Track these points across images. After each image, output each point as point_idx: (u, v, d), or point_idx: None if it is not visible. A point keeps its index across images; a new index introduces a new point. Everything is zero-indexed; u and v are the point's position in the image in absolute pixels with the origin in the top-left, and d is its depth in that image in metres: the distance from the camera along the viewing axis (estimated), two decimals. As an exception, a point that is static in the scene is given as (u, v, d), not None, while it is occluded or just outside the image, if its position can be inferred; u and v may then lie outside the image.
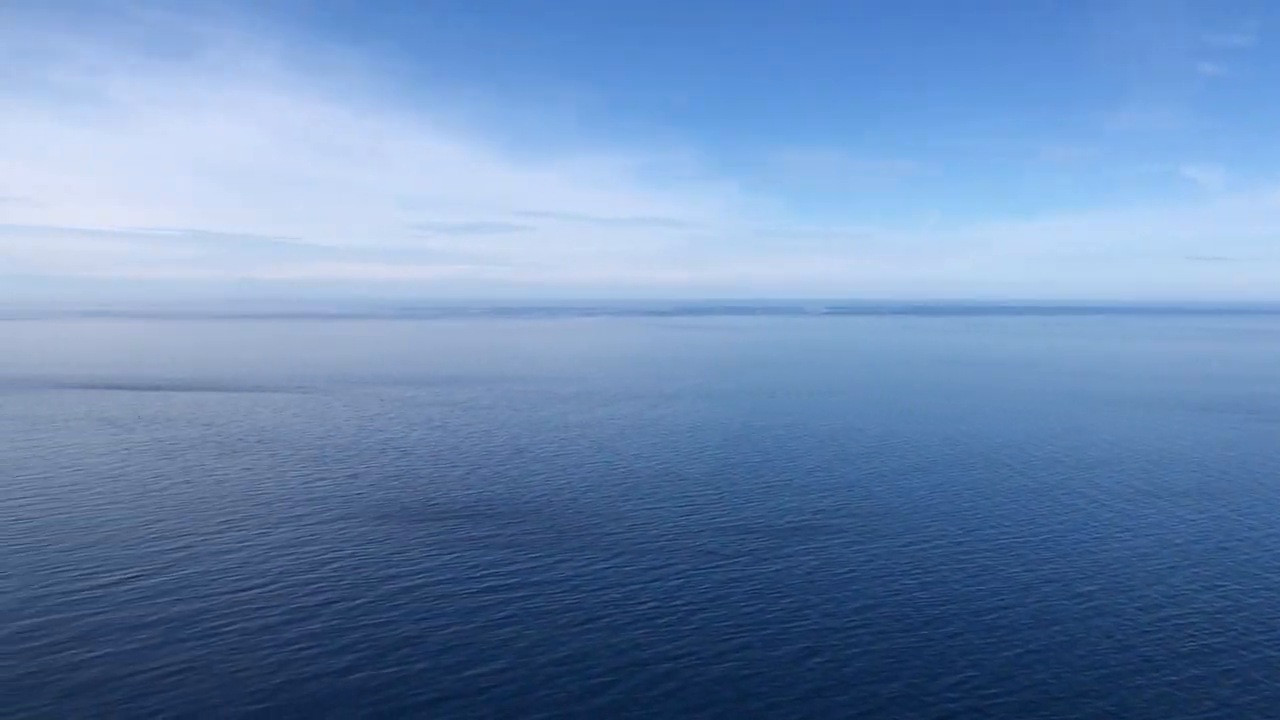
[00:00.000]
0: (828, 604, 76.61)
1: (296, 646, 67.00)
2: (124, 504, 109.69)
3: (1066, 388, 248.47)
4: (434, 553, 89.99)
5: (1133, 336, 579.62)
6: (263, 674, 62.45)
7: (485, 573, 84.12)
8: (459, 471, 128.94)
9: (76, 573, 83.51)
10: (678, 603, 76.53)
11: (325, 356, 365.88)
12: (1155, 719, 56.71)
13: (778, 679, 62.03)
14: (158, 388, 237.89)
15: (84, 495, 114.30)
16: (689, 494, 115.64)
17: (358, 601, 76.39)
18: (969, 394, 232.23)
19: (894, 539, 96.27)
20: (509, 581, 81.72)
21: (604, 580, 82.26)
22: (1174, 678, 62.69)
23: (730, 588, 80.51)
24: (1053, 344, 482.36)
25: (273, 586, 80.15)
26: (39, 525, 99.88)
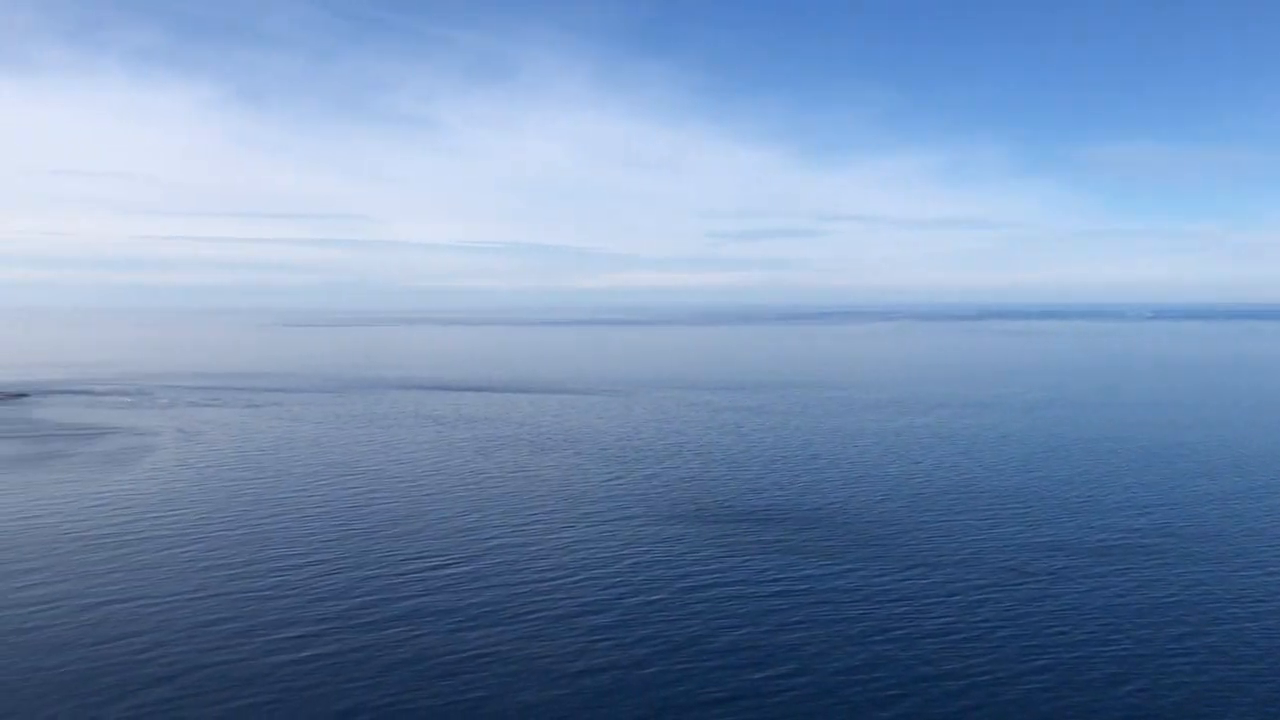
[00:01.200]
0: (1141, 630, 70.95)
1: (593, 637, 70.02)
2: (444, 496, 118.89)
3: None
4: (726, 555, 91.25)
5: None
6: (561, 660, 65.74)
7: (775, 577, 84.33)
8: (752, 475, 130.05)
9: (400, 558, 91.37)
10: (974, 619, 73.45)
11: (627, 361, 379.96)
12: None
13: (1081, 706, 58.17)
14: (477, 389, 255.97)
15: (410, 487, 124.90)
16: (991, 507, 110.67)
17: (651, 598, 78.77)
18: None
19: (1221, 564, 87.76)
20: (799, 587, 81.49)
21: (896, 592, 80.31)
22: None
23: (1032, 606, 76.33)
24: None
25: (573, 579, 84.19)
26: (372, 513, 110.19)
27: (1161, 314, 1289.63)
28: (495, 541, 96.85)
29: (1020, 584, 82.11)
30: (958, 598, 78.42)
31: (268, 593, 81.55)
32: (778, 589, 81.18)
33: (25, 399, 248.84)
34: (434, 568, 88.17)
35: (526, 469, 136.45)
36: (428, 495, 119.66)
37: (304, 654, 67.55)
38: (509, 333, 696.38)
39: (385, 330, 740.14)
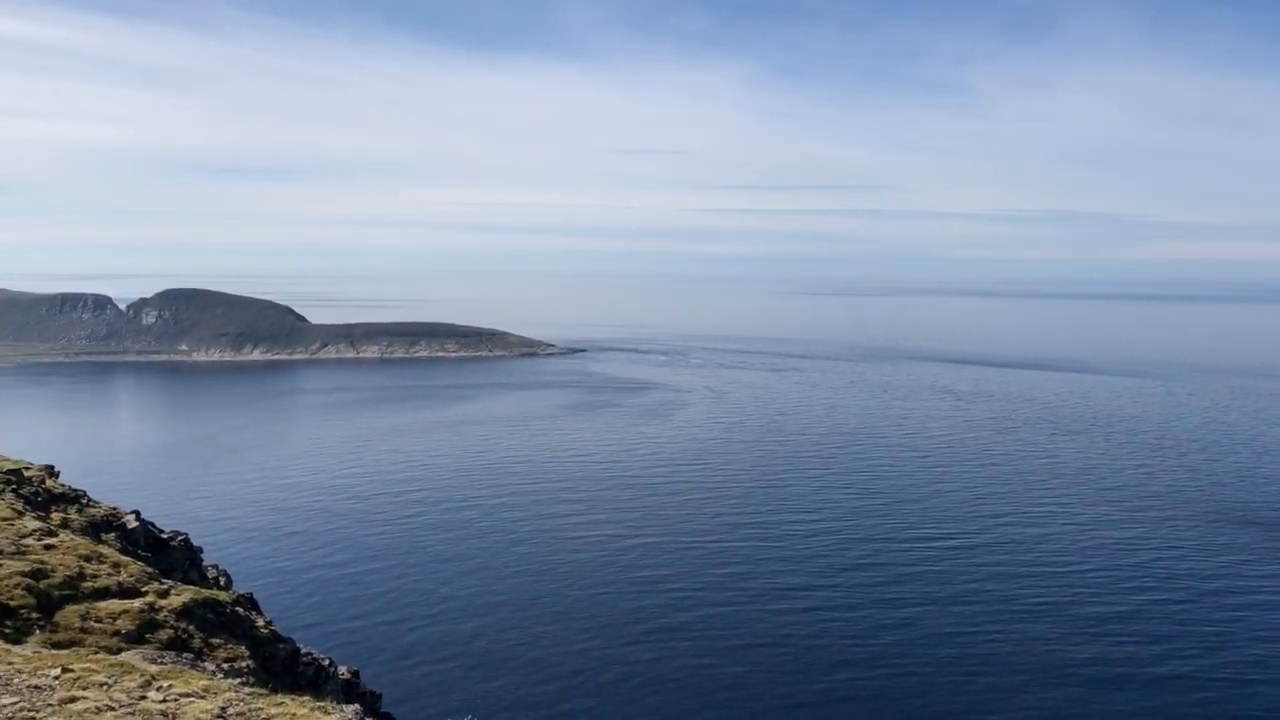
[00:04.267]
0: None
1: (1103, 630, 64.32)
2: (955, 472, 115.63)
3: None
4: (1271, 565, 79.28)
5: None
6: (1077, 646, 61.26)
7: (1346, 600, 71.67)
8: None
9: (904, 531, 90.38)
10: None
11: (1174, 340, 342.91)
12: None
13: None
14: (1000, 365, 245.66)
15: (922, 459, 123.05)
16: None
17: (1179, 602, 70.57)
18: None
19: None
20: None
21: None
22: None
23: None
24: None
25: (1084, 571, 77.83)
26: (880, 481, 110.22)
27: None
28: (1001, 522, 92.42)
29: None
30: None
31: (773, 545, 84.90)
32: (1348, 614, 68.94)
33: (583, 354, 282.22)
34: (932, 538, 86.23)
35: (1046, 452, 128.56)
36: (938, 469, 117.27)
37: (803, 606, 69.47)
38: (1041, 306, 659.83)
39: (909, 300, 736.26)
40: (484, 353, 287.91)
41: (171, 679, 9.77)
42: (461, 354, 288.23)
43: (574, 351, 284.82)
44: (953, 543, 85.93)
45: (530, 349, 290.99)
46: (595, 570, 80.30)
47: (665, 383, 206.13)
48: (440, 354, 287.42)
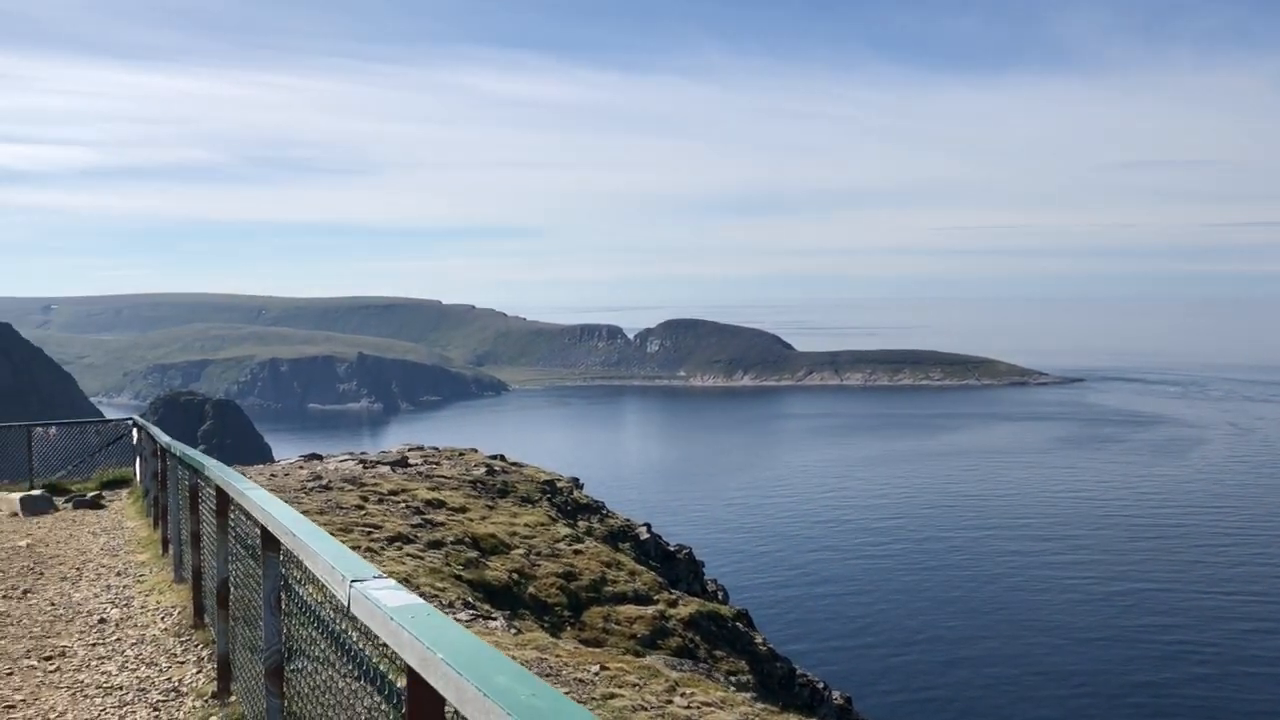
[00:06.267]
0: None
1: None
2: None
3: None
4: None
5: None
6: None
7: None
8: None
9: None
10: None
11: None
12: None
13: None
14: None
15: None
16: None
17: None
18: None
19: None
20: None
21: None
22: None
23: None
24: None
25: None
26: None
27: None
28: None
29: None
30: None
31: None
32: None
33: (1080, 383, 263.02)
34: None
35: None
36: None
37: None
38: None
39: None
40: (970, 381, 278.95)
41: (692, 686, 10.33)
42: (946, 382, 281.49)
43: (1070, 381, 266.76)
44: None
45: (1020, 377, 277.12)
46: (1083, 617, 74.02)
47: (1178, 417, 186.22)
48: (924, 382, 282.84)
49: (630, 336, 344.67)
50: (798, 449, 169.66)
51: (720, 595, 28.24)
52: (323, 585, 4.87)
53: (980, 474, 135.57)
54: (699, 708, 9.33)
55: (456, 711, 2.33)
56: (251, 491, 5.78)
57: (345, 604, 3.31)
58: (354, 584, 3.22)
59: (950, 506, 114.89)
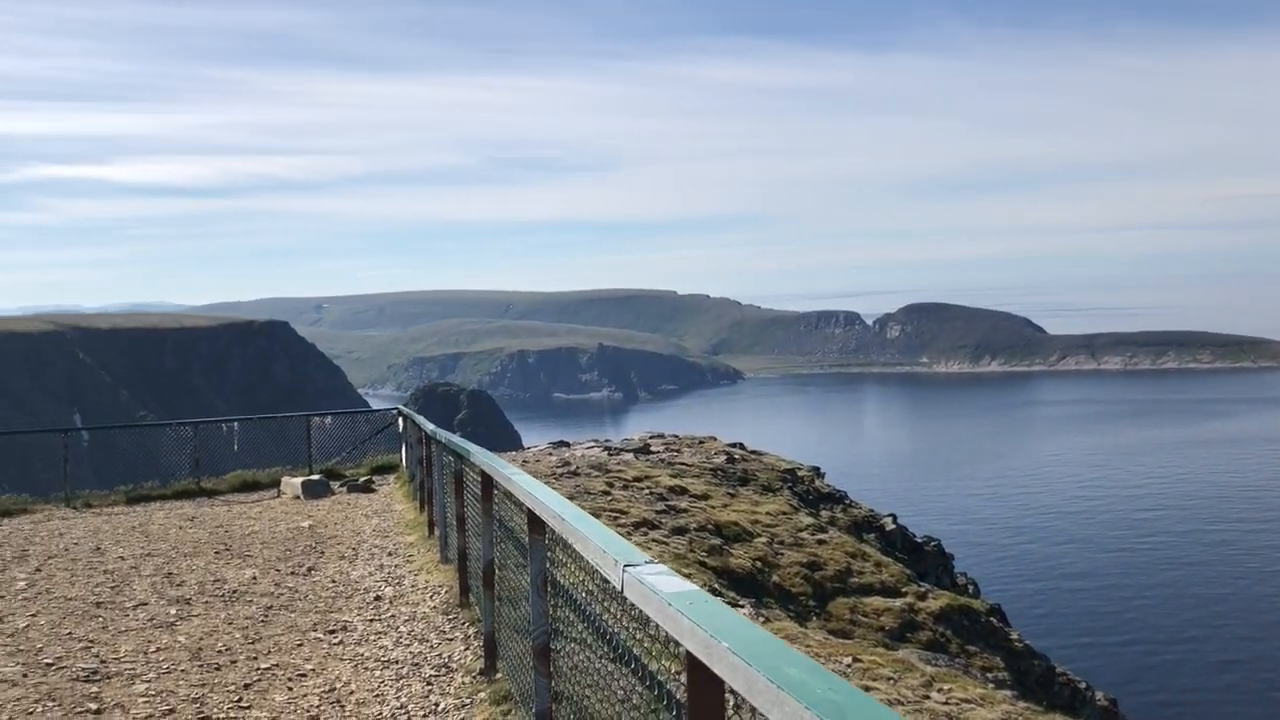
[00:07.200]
0: None
1: None
2: None
3: None
4: None
5: None
6: None
7: None
8: None
9: None
10: None
11: None
12: None
13: None
14: None
15: None
16: None
17: None
18: None
19: None
20: None
21: None
22: None
23: None
24: None
25: None
26: None
27: None
28: None
29: None
30: None
31: None
32: None
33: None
34: None
35: None
36: None
37: None
38: None
39: None
40: (1244, 364, 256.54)
41: (949, 682, 9.95)
42: (1216, 365, 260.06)
43: None
44: None
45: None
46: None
47: None
48: (1191, 365, 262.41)
49: (869, 322, 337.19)
50: (1050, 437, 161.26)
51: (971, 589, 27.20)
52: (584, 567, 4.98)
53: (1255, 464, 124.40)
54: (958, 704, 8.98)
55: (736, 700, 2.29)
56: (517, 477, 5.98)
57: (618, 587, 3.34)
58: (627, 568, 3.24)
59: (1219, 499, 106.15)
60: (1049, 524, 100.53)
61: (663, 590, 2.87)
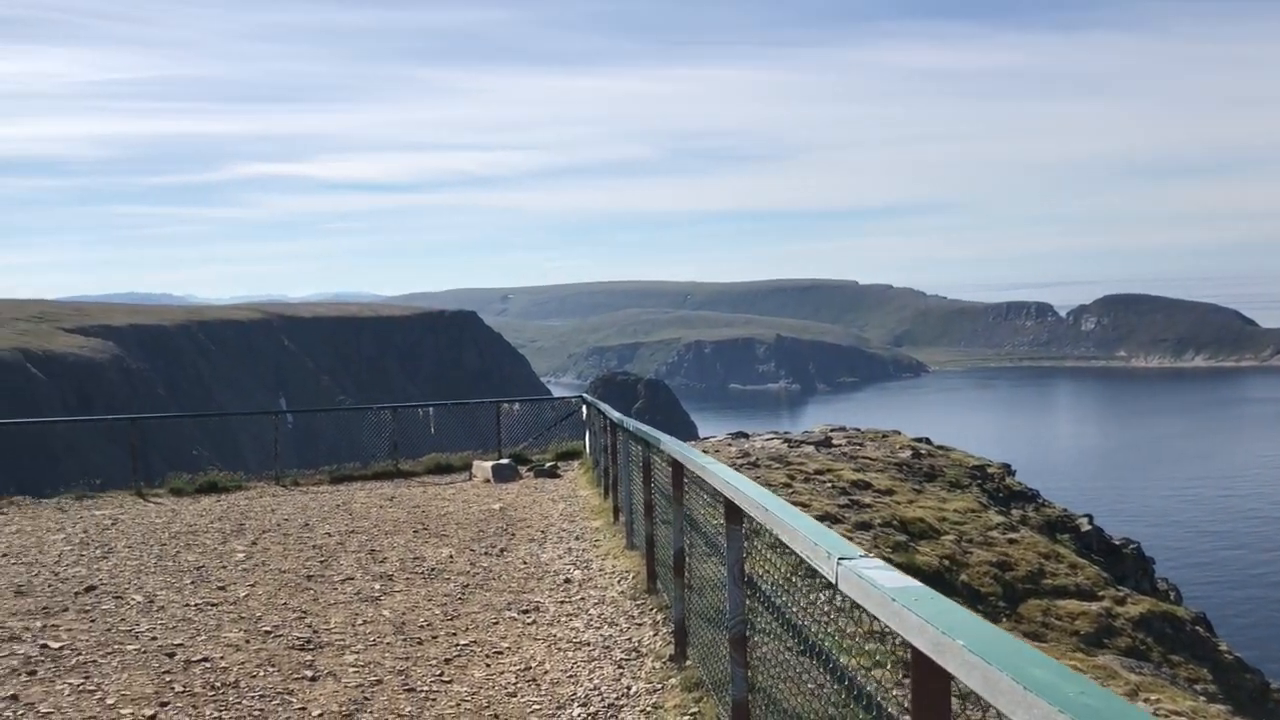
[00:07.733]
0: None
1: None
2: None
3: None
4: None
5: None
6: None
7: None
8: None
9: None
10: None
11: None
12: None
13: None
14: None
15: None
16: None
17: None
18: None
19: None
20: None
21: None
22: None
23: None
24: None
25: None
26: None
27: None
28: None
29: None
30: None
31: None
32: None
33: None
34: None
35: None
36: None
37: None
38: None
39: None
40: None
41: (1155, 692, 9.45)
42: None
43: None
44: None
45: None
46: None
47: None
48: None
49: (1062, 314, 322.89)
50: (1260, 437, 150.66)
51: (1172, 596, 25.74)
52: (784, 558, 4.96)
53: None
54: (1167, 715, 8.50)
55: (964, 698, 2.23)
56: (713, 466, 6.01)
57: (831, 580, 3.30)
58: (842, 561, 3.20)
59: None
60: (1257, 529, 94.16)
61: (884, 585, 2.82)
